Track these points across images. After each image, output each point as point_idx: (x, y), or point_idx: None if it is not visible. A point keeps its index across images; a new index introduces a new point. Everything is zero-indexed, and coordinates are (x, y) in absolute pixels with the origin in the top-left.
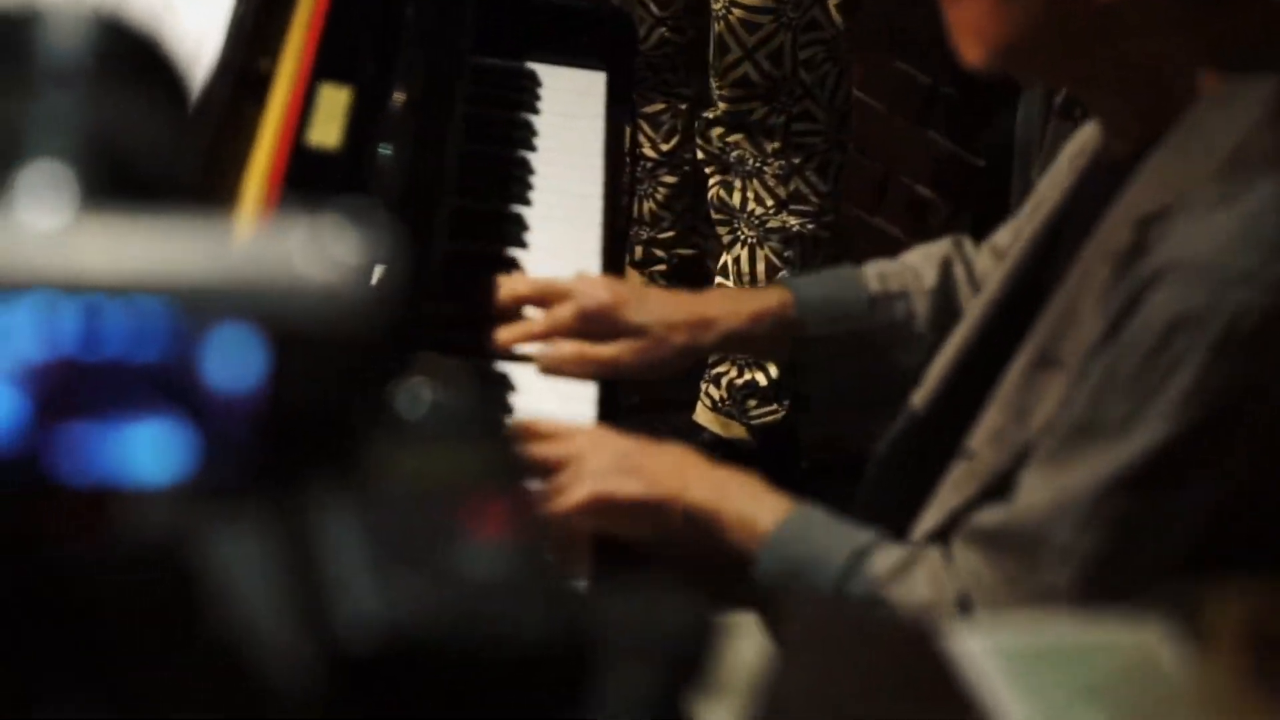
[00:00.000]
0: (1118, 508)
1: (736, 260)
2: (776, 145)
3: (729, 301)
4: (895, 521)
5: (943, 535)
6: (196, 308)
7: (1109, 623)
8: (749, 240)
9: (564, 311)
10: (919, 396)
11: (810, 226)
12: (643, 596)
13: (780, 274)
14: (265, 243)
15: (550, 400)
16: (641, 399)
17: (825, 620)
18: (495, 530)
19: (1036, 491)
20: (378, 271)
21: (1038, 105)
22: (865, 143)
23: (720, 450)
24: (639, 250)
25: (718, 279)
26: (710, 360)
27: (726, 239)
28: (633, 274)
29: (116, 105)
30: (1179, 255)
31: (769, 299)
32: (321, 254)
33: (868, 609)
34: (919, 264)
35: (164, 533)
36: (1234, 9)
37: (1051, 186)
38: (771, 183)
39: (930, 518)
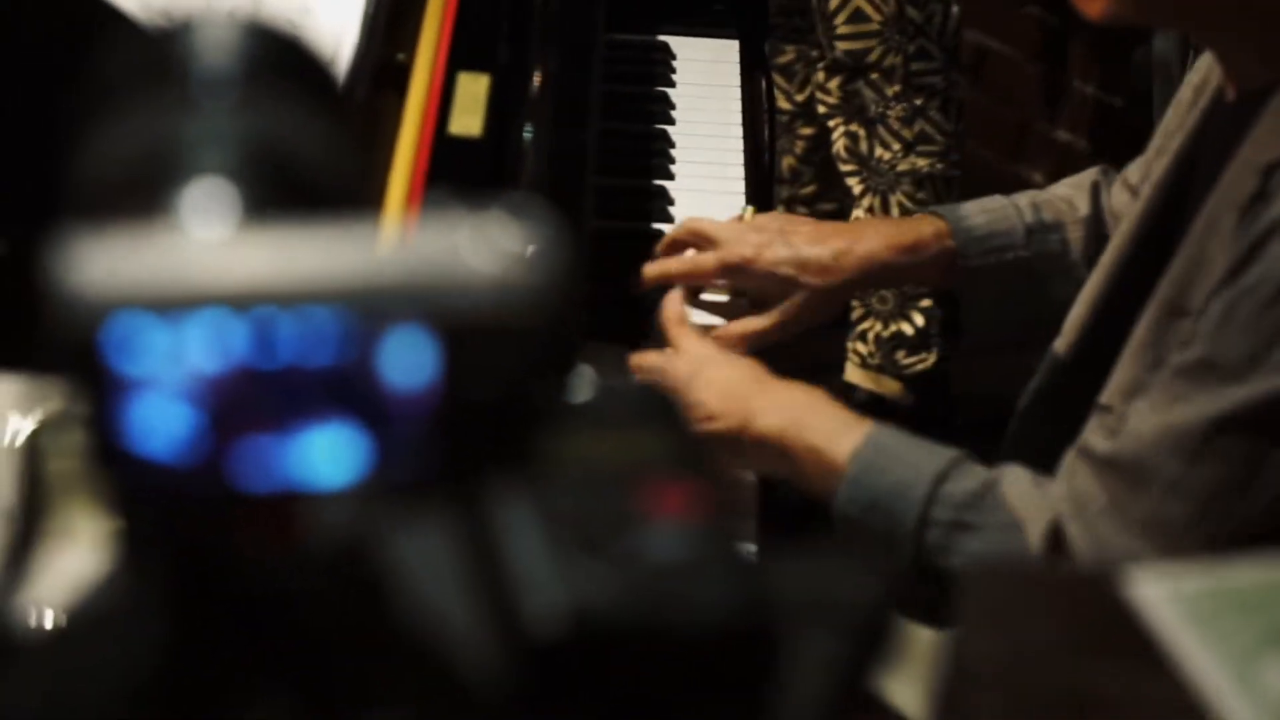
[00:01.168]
0: (1231, 445)
1: (870, 210)
2: (897, 88)
3: (886, 234)
4: (1045, 470)
5: None
6: (369, 309)
7: None
8: (880, 188)
9: (707, 259)
10: (1059, 345)
11: (940, 166)
12: (823, 567)
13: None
14: (431, 238)
15: None
16: (790, 365)
17: (1001, 586)
18: (671, 510)
19: (1147, 421)
20: (538, 259)
21: (1174, 41)
22: (1000, 90)
23: (875, 408)
24: (780, 209)
25: None
26: (854, 316)
27: (857, 189)
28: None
29: (272, 112)
30: None
31: (925, 230)
32: (488, 246)
33: (1042, 568)
34: (1070, 194)
35: (351, 534)
36: None
37: (1176, 123)
38: (896, 126)
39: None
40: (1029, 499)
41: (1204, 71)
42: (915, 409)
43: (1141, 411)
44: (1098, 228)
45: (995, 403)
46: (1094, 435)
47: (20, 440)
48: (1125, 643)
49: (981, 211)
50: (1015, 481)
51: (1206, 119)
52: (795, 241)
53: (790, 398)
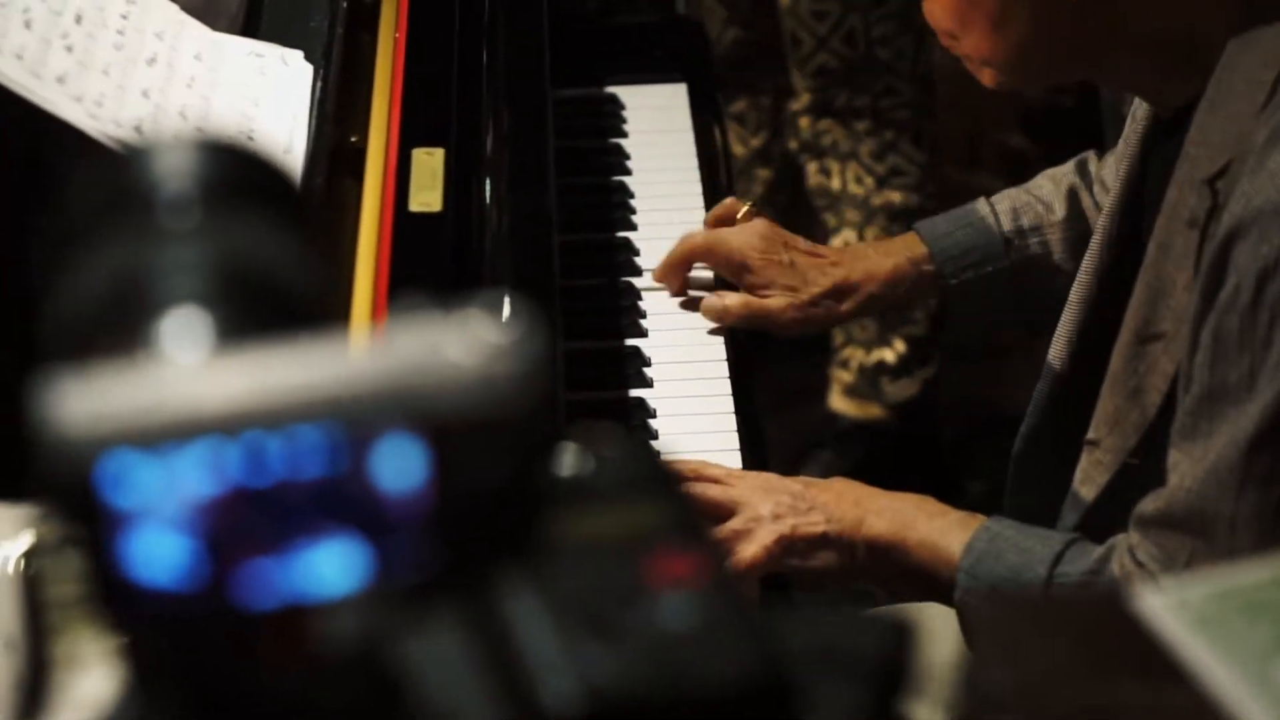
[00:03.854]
0: (1266, 463)
1: (846, 244)
2: (866, 125)
3: (868, 265)
4: (1047, 515)
5: (1085, 529)
6: (357, 418)
7: None
8: (855, 222)
9: (699, 246)
10: (1041, 387)
11: (914, 198)
12: (837, 618)
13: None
14: (410, 339)
15: (690, 423)
16: (775, 396)
17: (1011, 610)
18: (677, 578)
19: (1185, 468)
20: (518, 347)
21: None
22: (951, 101)
23: (862, 434)
24: None
25: None
26: (836, 344)
27: (833, 224)
28: None
29: (239, 231)
30: (1248, 208)
31: (902, 258)
32: (468, 340)
33: (1053, 591)
34: (1048, 195)
35: (362, 640)
36: None
37: (1126, 142)
38: (868, 161)
39: (1069, 515)
40: (1130, 573)
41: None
42: (901, 432)
43: (1177, 464)
44: (1077, 227)
45: (980, 411)
46: (1141, 504)
47: (12, 567)
48: (1140, 658)
49: (961, 226)
50: (1121, 555)
51: (1147, 140)
52: (799, 263)
53: (901, 500)
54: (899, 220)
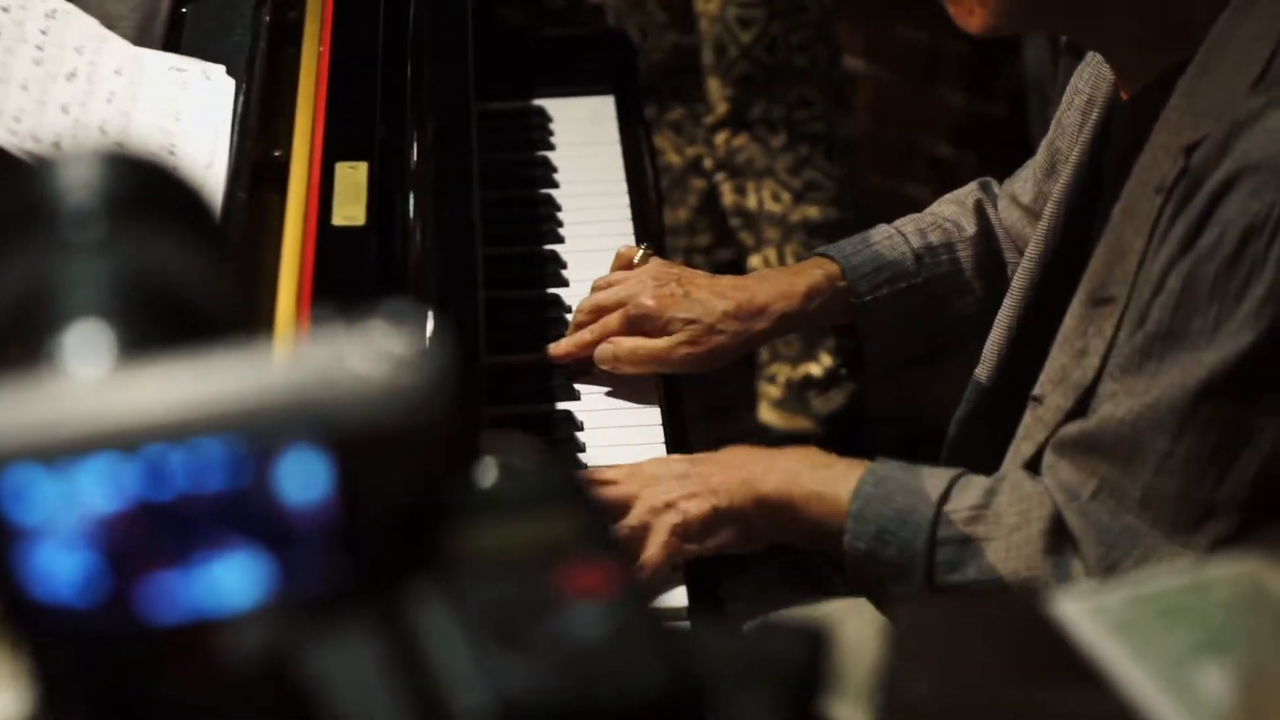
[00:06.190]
0: (1214, 410)
1: (766, 262)
2: (782, 140)
3: (779, 285)
4: None
5: None
6: (259, 430)
7: (1206, 564)
8: (774, 240)
9: (612, 320)
10: (980, 372)
11: (832, 212)
12: (751, 628)
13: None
14: (315, 352)
15: (617, 435)
16: (704, 408)
17: (931, 616)
18: (588, 588)
19: (1121, 400)
20: (424, 358)
21: (1045, 44)
22: (879, 111)
23: (790, 443)
24: (679, 259)
25: None
26: (762, 359)
27: (750, 243)
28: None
29: (144, 244)
30: (1245, 162)
31: (815, 275)
32: (373, 352)
33: (972, 593)
34: (954, 213)
35: (270, 654)
36: None
37: (1068, 142)
38: (784, 177)
39: (1007, 467)
40: (1027, 501)
41: (1088, 90)
42: (829, 441)
43: (1114, 394)
44: (988, 243)
45: (910, 425)
46: (1065, 427)
47: None
48: (1059, 663)
49: (869, 245)
50: (1014, 487)
51: (1103, 125)
52: (695, 294)
53: (786, 457)
54: (818, 235)
